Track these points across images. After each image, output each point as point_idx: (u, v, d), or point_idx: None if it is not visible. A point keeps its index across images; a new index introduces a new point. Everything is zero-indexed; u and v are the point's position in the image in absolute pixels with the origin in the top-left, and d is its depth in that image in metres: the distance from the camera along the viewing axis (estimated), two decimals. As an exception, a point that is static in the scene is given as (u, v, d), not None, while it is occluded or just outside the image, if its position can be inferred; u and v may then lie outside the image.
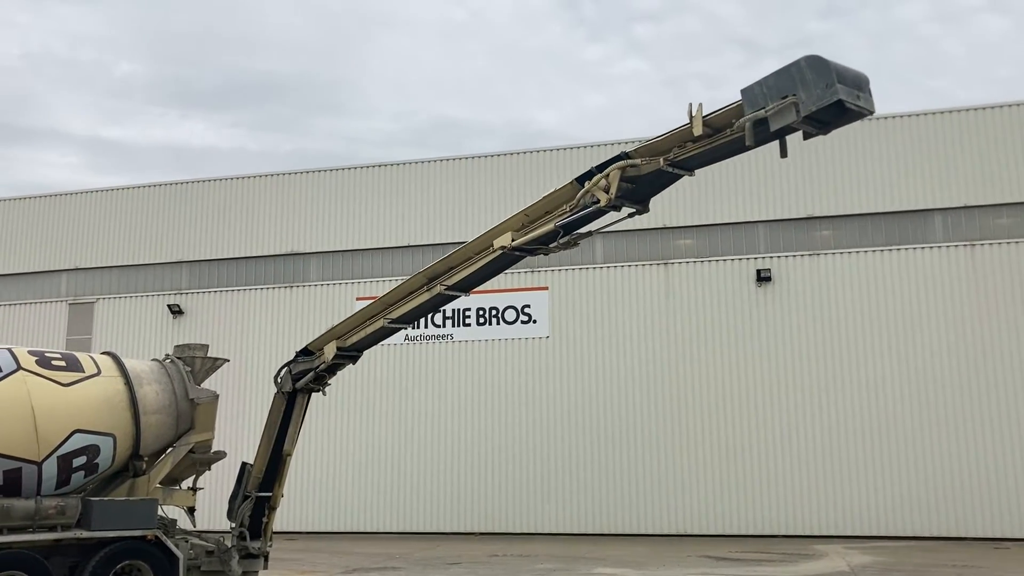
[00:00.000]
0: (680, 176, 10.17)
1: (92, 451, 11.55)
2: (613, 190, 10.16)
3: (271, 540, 13.59)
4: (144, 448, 12.22)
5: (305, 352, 13.32)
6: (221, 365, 13.57)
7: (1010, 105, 23.99)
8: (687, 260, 25.22)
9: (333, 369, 13.36)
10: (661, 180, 10.31)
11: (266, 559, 13.45)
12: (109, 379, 12.05)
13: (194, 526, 13.11)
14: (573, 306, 25.71)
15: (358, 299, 25.95)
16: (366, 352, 13.46)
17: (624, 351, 25.04)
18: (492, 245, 11.47)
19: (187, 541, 12.39)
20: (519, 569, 17.27)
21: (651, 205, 10.72)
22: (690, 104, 9.41)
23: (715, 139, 9.48)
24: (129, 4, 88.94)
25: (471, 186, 27.14)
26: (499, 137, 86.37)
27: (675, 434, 24.29)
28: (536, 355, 25.65)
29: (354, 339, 12.92)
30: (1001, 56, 77.80)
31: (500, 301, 25.98)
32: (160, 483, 12.44)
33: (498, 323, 26.10)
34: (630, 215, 10.75)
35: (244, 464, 13.61)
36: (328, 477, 26.11)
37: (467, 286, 12.23)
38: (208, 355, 13.32)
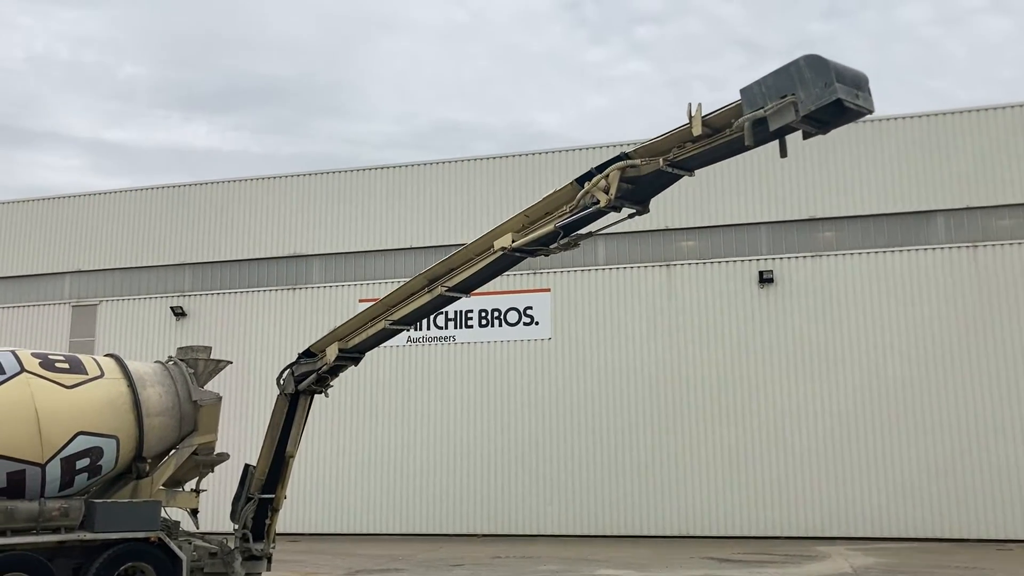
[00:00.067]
0: (680, 176, 10.17)
1: (95, 453, 11.57)
2: (613, 190, 10.17)
3: (274, 542, 13.61)
4: (147, 450, 12.25)
5: (307, 354, 13.35)
6: (224, 367, 13.60)
7: (1012, 106, 23.98)
8: (689, 262, 25.24)
9: (335, 371, 13.38)
10: (661, 180, 10.31)
11: (269, 561, 13.48)
12: (112, 381, 12.07)
13: (197, 528, 13.14)
14: (575, 307, 25.73)
15: (361, 301, 25.95)
16: (368, 354, 13.49)
17: (626, 352, 25.06)
18: (492, 246, 11.46)
19: (190, 543, 12.41)
20: (522, 571, 17.29)
21: (652, 206, 10.73)
22: (689, 104, 9.42)
23: (714, 139, 9.48)
24: (132, 7, 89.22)
25: (472, 188, 27.19)
26: (500, 139, 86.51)
27: (678, 435, 24.29)
28: (538, 356, 25.67)
29: (356, 341, 12.94)
30: (1003, 57, 77.79)
31: (502, 303, 26.00)
32: (163, 485, 12.48)
33: (500, 325, 26.12)
34: (630, 216, 10.75)
35: (247, 466, 13.63)
36: (331, 479, 26.14)
37: (468, 287, 12.22)
38: (211, 357, 13.34)
